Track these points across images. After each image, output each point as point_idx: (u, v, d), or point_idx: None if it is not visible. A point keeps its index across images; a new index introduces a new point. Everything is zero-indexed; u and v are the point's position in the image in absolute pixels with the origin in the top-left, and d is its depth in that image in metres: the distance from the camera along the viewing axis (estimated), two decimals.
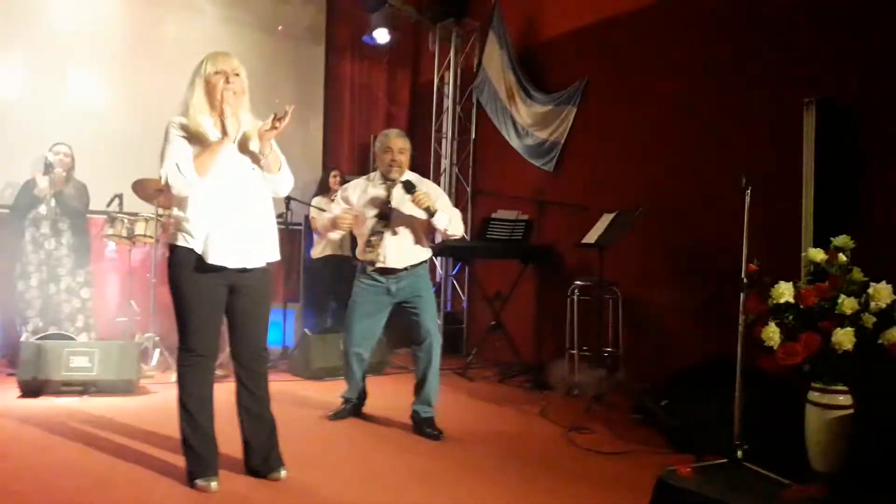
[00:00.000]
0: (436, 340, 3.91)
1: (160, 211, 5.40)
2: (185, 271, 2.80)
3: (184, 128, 2.79)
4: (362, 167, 7.57)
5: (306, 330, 5.75)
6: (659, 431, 3.86)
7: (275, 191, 2.98)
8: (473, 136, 7.19)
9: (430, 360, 3.88)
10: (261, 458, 2.96)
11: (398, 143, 3.91)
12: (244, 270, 2.86)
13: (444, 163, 7.38)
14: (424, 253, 3.99)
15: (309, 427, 3.94)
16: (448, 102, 7.39)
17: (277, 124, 2.78)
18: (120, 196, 5.58)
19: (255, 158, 2.88)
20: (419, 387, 3.94)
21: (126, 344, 4.87)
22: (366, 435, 3.85)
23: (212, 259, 2.78)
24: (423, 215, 3.82)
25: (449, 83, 7.38)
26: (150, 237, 5.48)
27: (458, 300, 7.27)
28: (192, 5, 6.74)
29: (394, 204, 3.89)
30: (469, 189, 7.20)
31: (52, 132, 5.62)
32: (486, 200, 6.77)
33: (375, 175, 4.02)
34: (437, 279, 7.39)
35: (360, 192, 3.98)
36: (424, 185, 4.02)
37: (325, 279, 6.31)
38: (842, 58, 4.07)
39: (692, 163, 4.92)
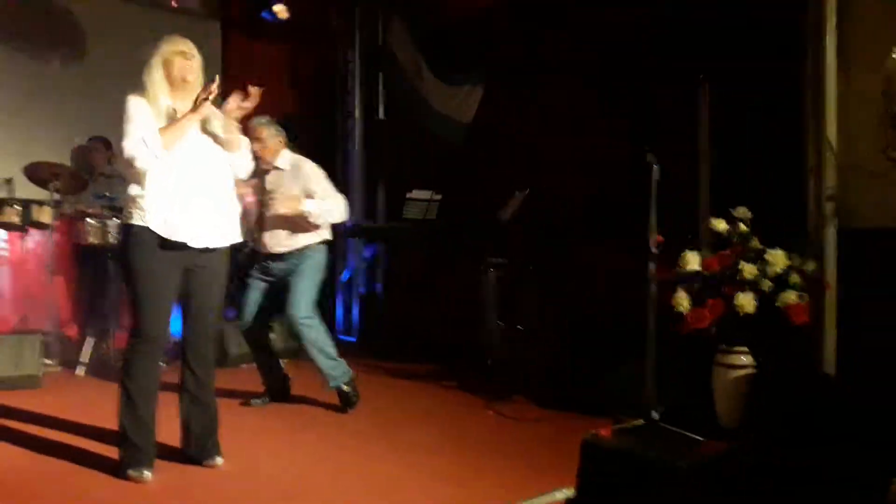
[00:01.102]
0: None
1: (56, 196, 5.12)
2: (141, 251, 2.74)
3: (144, 108, 2.75)
4: None
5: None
6: (574, 399, 4.05)
7: (235, 171, 2.98)
8: (381, 115, 7.16)
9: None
10: (200, 444, 2.93)
11: (257, 132, 3.95)
12: (205, 251, 2.82)
13: (352, 143, 7.33)
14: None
15: (237, 414, 3.86)
16: (354, 82, 7.32)
17: (246, 104, 2.81)
18: (9, 180, 5.25)
19: (216, 138, 2.87)
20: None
21: (25, 337, 4.62)
22: (295, 417, 3.83)
23: (175, 236, 2.73)
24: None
25: (354, 62, 7.30)
26: (47, 224, 5.18)
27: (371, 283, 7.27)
28: None
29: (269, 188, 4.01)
30: (380, 169, 7.18)
31: None
32: (397, 180, 6.78)
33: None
34: (351, 262, 7.37)
35: None
36: (306, 167, 4.06)
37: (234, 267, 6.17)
38: (726, 38, 4.32)
39: (598, 139, 5.11)
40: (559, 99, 5.39)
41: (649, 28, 4.75)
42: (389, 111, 7.09)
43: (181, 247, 2.76)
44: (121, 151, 2.71)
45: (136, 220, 2.75)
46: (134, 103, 2.76)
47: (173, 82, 2.82)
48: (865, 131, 3.51)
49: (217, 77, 2.79)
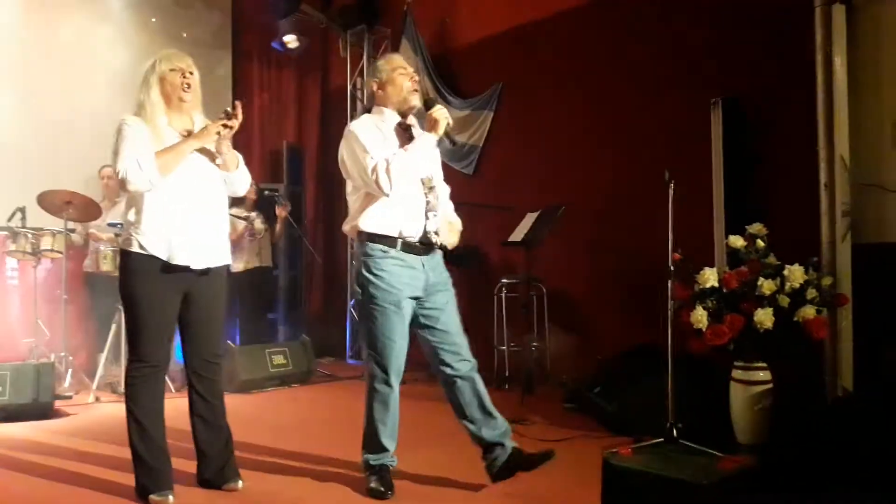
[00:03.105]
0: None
1: (69, 224, 5.16)
2: (140, 277, 2.71)
3: (140, 128, 2.71)
4: (275, 175, 7.47)
5: (229, 342, 5.62)
6: (593, 418, 4.04)
7: (233, 190, 2.96)
8: None
9: (475, 375, 3.00)
10: (216, 468, 2.89)
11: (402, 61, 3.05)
12: (203, 273, 2.80)
13: None
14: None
15: (255, 437, 3.81)
16: (362, 107, 7.38)
17: (232, 123, 2.76)
18: (22, 209, 5.29)
19: (212, 157, 2.84)
20: (479, 408, 2.97)
21: (40, 365, 4.61)
22: (314, 441, 3.81)
23: (175, 259, 2.70)
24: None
25: (362, 89, 7.38)
26: (59, 252, 5.21)
27: None
28: (93, 12, 6.49)
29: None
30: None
31: None
32: None
33: (385, 113, 2.95)
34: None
35: (380, 137, 2.89)
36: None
37: (253, 292, 6.21)
38: (738, 61, 4.39)
39: (609, 161, 5.16)
40: (571, 120, 5.44)
41: (663, 49, 4.82)
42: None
43: (180, 272, 2.73)
44: (115, 172, 2.67)
45: (135, 248, 2.71)
46: (130, 123, 2.71)
47: (170, 99, 2.78)
48: (878, 147, 3.54)
49: (238, 103, 2.78)
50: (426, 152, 2.86)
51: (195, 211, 2.77)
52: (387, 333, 2.86)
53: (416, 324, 2.95)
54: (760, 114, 4.23)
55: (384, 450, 2.97)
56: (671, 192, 3.29)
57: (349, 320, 7.22)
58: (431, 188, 2.95)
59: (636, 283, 4.74)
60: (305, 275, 7.65)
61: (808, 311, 3.18)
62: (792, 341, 3.29)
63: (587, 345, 5.09)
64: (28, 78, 6.09)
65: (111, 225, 5.25)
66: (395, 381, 2.94)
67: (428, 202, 2.93)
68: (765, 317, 3.15)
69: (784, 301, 3.22)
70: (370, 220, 2.88)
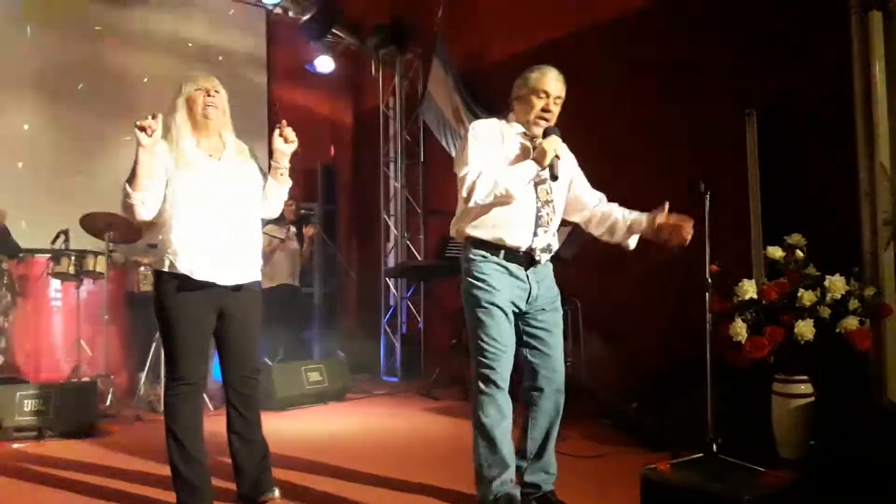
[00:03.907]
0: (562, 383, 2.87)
1: (111, 245, 5.28)
2: (171, 297, 2.75)
3: (162, 152, 2.74)
4: (310, 194, 7.57)
5: (266, 359, 5.68)
6: (630, 433, 3.98)
7: (270, 208, 2.98)
8: (422, 158, 7.27)
9: (559, 412, 2.88)
10: (252, 482, 2.91)
11: (558, 88, 2.84)
12: (235, 289, 2.83)
13: (394, 186, 7.45)
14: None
15: (291, 454, 3.81)
16: (395, 126, 7.47)
17: (291, 137, 2.83)
18: (66, 232, 5.42)
19: (243, 175, 2.87)
20: (539, 447, 2.87)
21: (82, 384, 4.71)
22: (351, 458, 3.81)
23: (200, 276, 2.73)
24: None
25: (394, 108, 7.47)
26: (101, 273, 5.32)
27: (413, 321, 7.30)
28: (131, 39, 6.67)
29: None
30: (420, 210, 7.28)
31: None
32: (436, 221, 6.85)
33: (512, 122, 2.89)
34: (392, 301, 7.43)
35: (499, 139, 2.83)
36: None
37: (276, 309, 6.25)
38: (773, 70, 4.34)
39: (643, 174, 5.11)
40: (603, 132, 5.42)
41: (697, 60, 4.79)
42: (430, 154, 7.19)
43: (209, 289, 2.76)
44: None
45: (166, 266, 2.75)
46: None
47: (196, 120, 2.81)
48: None
49: (284, 123, 2.86)
50: (524, 178, 2.70)
51: (224, 228, 2.80)
52: (494, 335, 2.71)
53: (518, 340, 2.80)
54: (796, 123, 4.17)
55: (506, 466, 2.72)
56: (707, 202, 3.25)
57: (383, 337, 7.26)
58: (548, 202, 2.81)
59: (673, 297, 4.69)
60: (340, 292, 7.72)
61: (851, 323, 3.12)
62: (834, 353, 3.22)
63: (623, 360, 5.02)
64: (70, 100, 6.28)
65: (151, 246, 5.35)
66: (506, 384, 2.73)
67: (539, 216, 2.78)
68: (805, 328, 3.10)
69: (825, 312, 3.16)
70: (475, 223, 2.78)
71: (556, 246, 2.91)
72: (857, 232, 3.62)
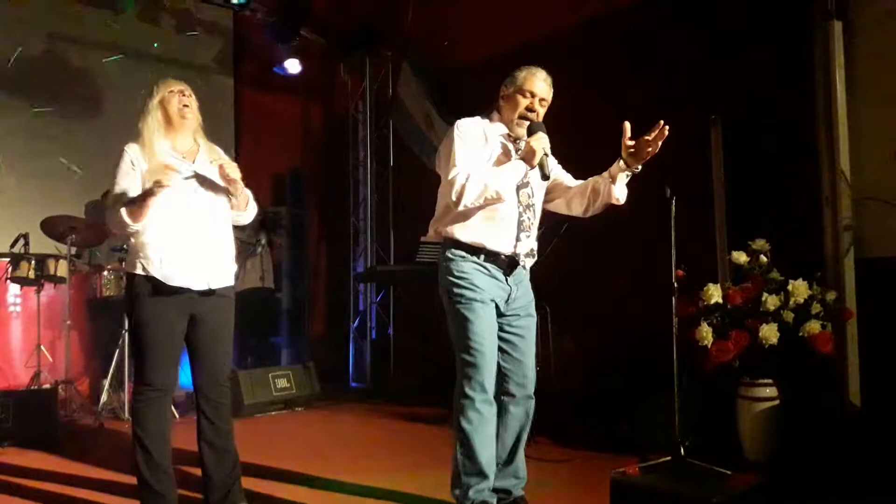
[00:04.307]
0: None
1: (73, 250, 5.17)
2: (144, 300, 2.71)
3: (136, 157, 2.73)
4: (278, 198, 7.50)
5: (233, 367, 5.60)
6: (598, 437, 4.00)
7: (237, 221, 2.99)
8: (392, 163, 7.25)
9: (529, 417, 2.84)
10: (222, 492, 2.86)
11: (544, 90, 2.85)
12: (206, 294, 2.80)
13: (363, 190, 7.41)
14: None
15: (259, 461, 3.76)
16: (364, 130, 7.44)
17: (233, 175, 2.81)
18: (25, 235, 5.29)
19: (215, 182, 2.85)
20: (509, 452, 2.83)
21: (43, 391, 4.61)
22: (320, 464, 3.77)
23: (176, 281, 2.71)
24: None
25: (364, 112, 7.43)
26: (63, 278, 5.21)
27: (382, 327, 7.27)
28: (95, 41, 6.55)
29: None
30: (391, 215, 7.25)
31: None
32: (408, 225, 6.83)
33: (496, 121, 2.86)
34: (361, 307, 7.38)
35: (483, 139, 2.78)
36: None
37: (245, 314, 6.19)
38: (738, 77, 4.41)
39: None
40: (571, 136, 5.43)
41: (662, 65, 4.84)
42: (399, 159, 7.17)
43: (182, 294, 2.74)
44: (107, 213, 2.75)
45: (138, 269, 2.73)
46: (125, 159, 2.74)
47: (171, 120, 2.80)
48: (878, 161, 3.54)
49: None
50: (513, 178, 2.65)
51: (196, 232, 2.78)
52: (478, 331, 2.63)
53: None
54: (760, 129, 4.24)
55: (483, 477, 2.62)
56: (673, 208, 3.28)
57: (352, 343, 7.21)
58: (529, 206, 2.75)
59: (640, 301, 4.73)
60: (309, 297, 7.66)
61: (813, 327, 3.17)
62: (798, 357, 3.28)
63: (591, 363, 5.05)
64: (33, 102, 6.14)
65: (114, 250, 5.26)
66: (491, 387, 2.64)
67: (521, 221, 2.72)
68: (770, 332, 3.15)
69: (788, 316, 3.22)
70: (455, 225, 2.71)
71: (537, 250, 2.88)
72: (819, 237, 3.69)
